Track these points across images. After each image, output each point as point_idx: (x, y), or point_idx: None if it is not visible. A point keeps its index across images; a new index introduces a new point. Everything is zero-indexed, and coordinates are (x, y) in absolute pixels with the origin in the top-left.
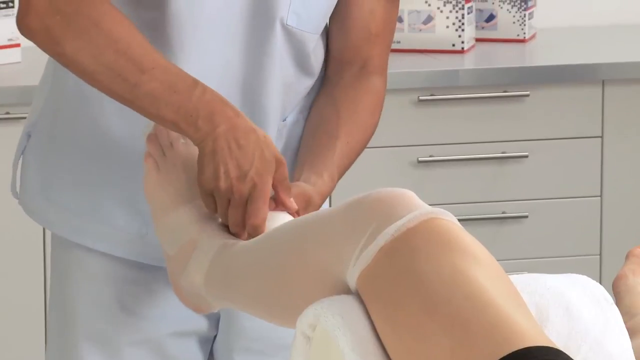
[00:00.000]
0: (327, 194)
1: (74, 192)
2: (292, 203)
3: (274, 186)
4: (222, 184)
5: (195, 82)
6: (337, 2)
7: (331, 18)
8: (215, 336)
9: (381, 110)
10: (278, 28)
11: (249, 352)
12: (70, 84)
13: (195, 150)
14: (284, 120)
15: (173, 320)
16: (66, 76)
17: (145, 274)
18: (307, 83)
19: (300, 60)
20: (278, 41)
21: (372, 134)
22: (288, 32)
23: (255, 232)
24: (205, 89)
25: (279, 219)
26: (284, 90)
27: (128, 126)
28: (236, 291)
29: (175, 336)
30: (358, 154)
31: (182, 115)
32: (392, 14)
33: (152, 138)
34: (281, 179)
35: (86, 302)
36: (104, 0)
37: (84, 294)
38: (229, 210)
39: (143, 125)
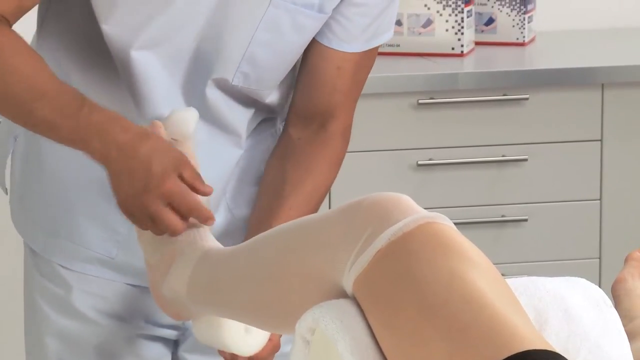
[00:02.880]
0: None
1: (45, 206)
2: (210, 188)
3: (188, 185)
4: (147, 197)
5: (82, 103)
6: (307, 53)
7: (299, 69)
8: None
9: (336, 171)
10: (216, 88)
11: (211, 354)
12: None
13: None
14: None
15: (143, 327)
16: None
17: (117, 287)
18: (266, 116)
19: (257, 105)
20: (219, 96)
21: (324, 195)
22: (236, 89)
23: (206, 209)
24: (92, 108)
25: None
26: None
27: None
28: (222, 298)
29: (144, 338)
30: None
31: (77, 139)
32: (363, 69)
33: None
34: (191, 177)
35: (53, 306)
36: (4, 29)
37: (52, 298)
38: (170, 213)
39: None
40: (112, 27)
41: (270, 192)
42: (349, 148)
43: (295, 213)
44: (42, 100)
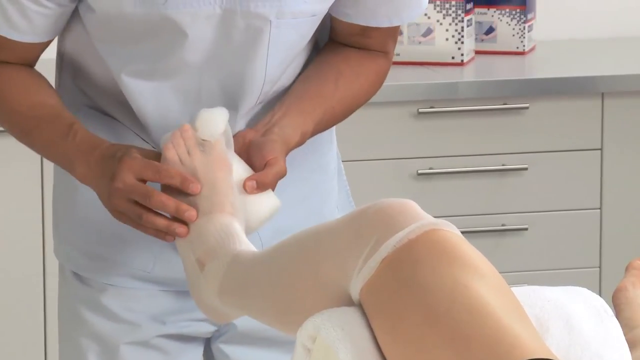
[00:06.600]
0: (294, 148)
1: (81, 230)
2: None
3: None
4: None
5: (69, 128)
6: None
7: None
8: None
9: (380, 85)
10: (242, 118)
11: (248, 346)
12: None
13: (214, 158)
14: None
15: (175, 325)
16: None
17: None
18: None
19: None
20: (242, 126)
21: (364, 103)
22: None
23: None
24: (76, 132)
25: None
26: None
27: None
28: (247, 303)
29: (174, 338)
30: (338, 122)
31: (66, 162)
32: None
33: (170, 146)
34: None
35: (89, 307)
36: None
37: (86, 299)
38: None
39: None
40: (103, 50)
41: (321, 83)
42: (349, 157)
43: (337, 111)
44: (33, 132)
